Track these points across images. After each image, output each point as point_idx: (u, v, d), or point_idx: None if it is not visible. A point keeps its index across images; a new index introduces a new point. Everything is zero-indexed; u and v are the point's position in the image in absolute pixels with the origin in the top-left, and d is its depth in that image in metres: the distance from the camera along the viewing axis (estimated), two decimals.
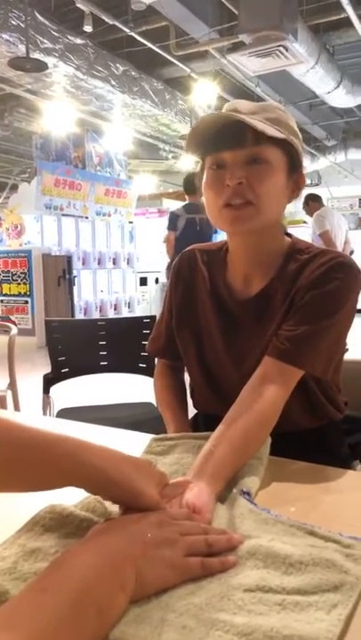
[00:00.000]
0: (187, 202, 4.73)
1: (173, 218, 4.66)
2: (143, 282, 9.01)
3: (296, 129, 0.93)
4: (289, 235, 1.01)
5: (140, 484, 0.59)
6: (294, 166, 0.92)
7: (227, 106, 0.92)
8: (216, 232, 4.43)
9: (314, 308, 0.88)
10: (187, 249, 1.11)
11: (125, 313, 8.33)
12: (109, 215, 8.71)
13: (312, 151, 9.42)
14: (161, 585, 0.50)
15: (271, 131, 0.85)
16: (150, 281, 8.98)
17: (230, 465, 0.74)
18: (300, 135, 0.95)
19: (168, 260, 4.60)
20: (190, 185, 4.53)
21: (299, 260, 0.94)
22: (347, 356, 1.03)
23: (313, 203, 5.72)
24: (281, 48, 4.36)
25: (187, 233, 4.47)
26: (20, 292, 7.35)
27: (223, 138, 0.87)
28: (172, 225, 4.65)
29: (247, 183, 0.86)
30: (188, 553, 0.53)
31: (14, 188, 10.63)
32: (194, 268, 1.06)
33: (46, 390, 1.94)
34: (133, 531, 0.53)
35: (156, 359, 1.18)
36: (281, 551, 0.53)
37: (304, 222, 7.58)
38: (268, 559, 0.53)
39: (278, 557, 0.53)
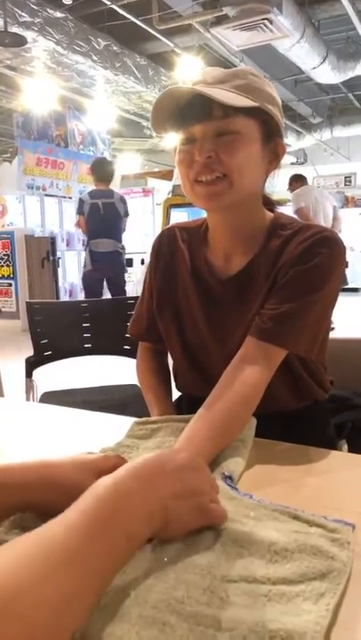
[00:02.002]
0: (93, 188, 5.05)
1: (80, 203, 5.01)
2: (129, 263, 8.89)
3: (273, 94, 0.88)
4: (272, 209, 0.97)
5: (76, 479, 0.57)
6: (271, 135, 0.88)
7: (197, 76, 0.87)
8: (127, 214, 4.95)
9: (297, 284, 0.85)
10: (167, 227, 1.08)
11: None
12: None
13: (298, 128, 9.33)
14: (185, 527, 0.52)
15: (238, 100, 0.81)
16: (136, 262, 8.89)
17: (211, 447, 0.73)
18: (280, 101, 0.90)
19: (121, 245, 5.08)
20: (98, 172, 4.89)
21: (282, 235, 0.91)
22: (332, 335, 1.02)
23: (295, 183, 5.69)
24: (266, 21, 4.27)
25: (91, 216, 4.80)
26: (3, 275, 7.23)
27: (190, 111, 0.83)
28: (79, 209, 4.99)
29: (216, 156, 0.82)
30: (212, 500, 0.55)
31: None
32: (173, 246, 1.03)
33: (29, 374, 1.91)
34: (169, 470, 0.53)
35: (138, 342, 1.15)
36: (265, 538, 0.52)
37: (289, 202, 7.53)
38: (253, 547, 0.51)
39: (263, 545, 0.51)
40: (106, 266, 4.86)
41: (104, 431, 0.95)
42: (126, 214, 5.00)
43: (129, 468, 0.50)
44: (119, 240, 4.91)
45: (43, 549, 0.38)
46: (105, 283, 5.05)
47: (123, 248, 4.99)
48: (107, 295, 5.13)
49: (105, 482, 0.47)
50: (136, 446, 0.79)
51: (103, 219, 4.76)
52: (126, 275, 8.95)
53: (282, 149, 0.91)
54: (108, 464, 0.61)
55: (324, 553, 0.49)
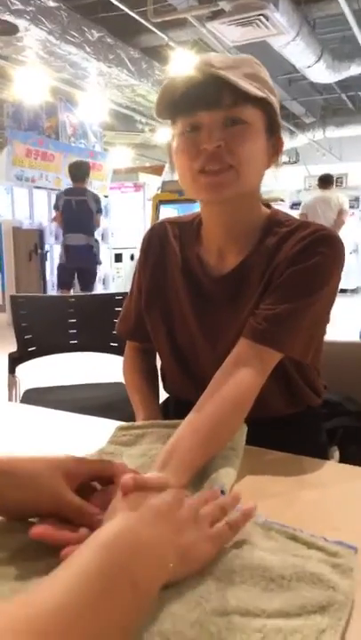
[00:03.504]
0: (69, 186, 5.65)
1: (57, 199, 5.53)
2: (118, 258, 8.85)
3: (273, 86, 0.84)
4: (268, 205, 0.93)
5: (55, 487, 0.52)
6: (273, 128, 0.84)
7: (199, 60, 0.81)
8: (99, 211, 5.45)
9: (294, 284, 0.81)
10: (157, 222, 1.03)
11: (100, 290, 8.18)
12: None
13: (291, 128, 9.31)
14: (206, 559, 0.48)
15: (252, 89, 0.76)
16: (125, 257, 8.82)
17: (198, 456, 0.68)
18: (278, 96, 0.86)
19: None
20: (72, 173, 5.45)
21: (278, 232, 0.86)
22: (325, 338, 0.98)
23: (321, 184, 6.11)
24: (262, 17, 4.23)
25: (65, 211, 5.33)
26: None
27: (198, 97, 0.78)
28: (56, 205, 5.52)
29: (226, 146, 0.77)
30: (211, 523, 0.51)
31: None
32: (164, 242, 0.98)
33: (12, 370, 1.85)
34: (158, 510, 0.48)
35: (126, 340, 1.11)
36: (261, 563, 0.47)
37: (281, 200, 7.51)
38: (246, 572, 0.46)
39: (257, 570, 0.46)
40: (77, 258, 5.39)
41: (87, 435, 0.91)
42: (99, 211, 5.45)
43: (126, 509, 0.46)
44: (91, 234, 5.39)
45: (36, 623, 0.33)
46: (76, 275, 5.55)
47: (96, 242, 5.48)
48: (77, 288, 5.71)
49: (108, 530, 0.43)
50: (120, 453, 0.74)
51: (76, 214, 5.26)
52: (115, 270, 8.96)
53: (281, 144, 0.88)
54: (79, 466, 0.56)
55: (324, 582, 0.44)
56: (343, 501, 0.67)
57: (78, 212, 5.27)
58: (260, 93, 0.78)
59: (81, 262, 5.44)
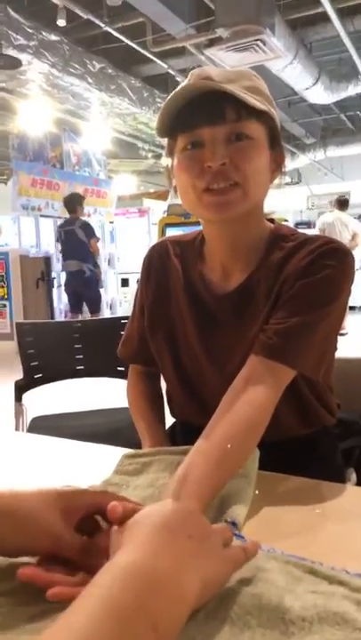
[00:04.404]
0: (67, 217, 6.13)
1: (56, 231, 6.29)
2: (125, 283, 8.87)
3: (272, 99, 0.82)
4: (272, 220, 0.90)
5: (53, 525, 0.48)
6: (275, 142, 0.82)
7: (196, 73, 0.79)
8: (91, 237, 5.85)
9: (305, 298, 0.77)
10: (158, 241, 1.01)
11: (107, 315, 8.19)
12: (89, 215, 8.54)
13: (291, 149, 9.39)
14: (223, 581, 0.45)
15: (256, 102, 0.74)
16: (132, 282, 8.83)
17: (211, 483, 0.63)
18: (277, 111, 0.84)
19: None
20: (65, 205, 5.94)
21: (284, 247, 0.84)
22: (336, 354, 0.94)
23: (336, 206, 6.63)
24: (259, 42, 4.30)
25: (60, 241, 6.01)
26: None
27: (199, 112, 0.75)
28: (56, 237, 6.28)
29: (231, 163, 0.75)
30: (224, 544, 0.48)
31: None
32: (166, 261, 0.95)
33: (18, 398, 1.82)
34: (168, 528, 0.44)
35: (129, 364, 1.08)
36: (279, 603, 0.43)
37: (285, 220, 7.54)
38: (263, 614, 0.42)
39: (275, 612, 0.42)
40: (73, 283, 5.96)
41: (94, 464, 0.87)
42: (91, 237, 5.88)
43: (137, 540, 0.42)
44: (83, 261, 5.83)
45: None
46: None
47: (91, 268, 5.92)
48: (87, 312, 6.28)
49: (117, 566, 0.39)
50: (126, 484, 0.70)
51: (67, 243, 5.88)
52: (122, 294, 9.04)
53: (282, 159, 0.85)
54: (78, 500, 0.52)
55: (350, 623, 0.40)
56: None
57: (68, 241, 5.82)
58: (263, 107, 0.76)
59: (77, 287, 5.95)
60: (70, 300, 6.20)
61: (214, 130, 0.75)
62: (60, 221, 6.40)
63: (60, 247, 6.10)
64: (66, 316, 7.50)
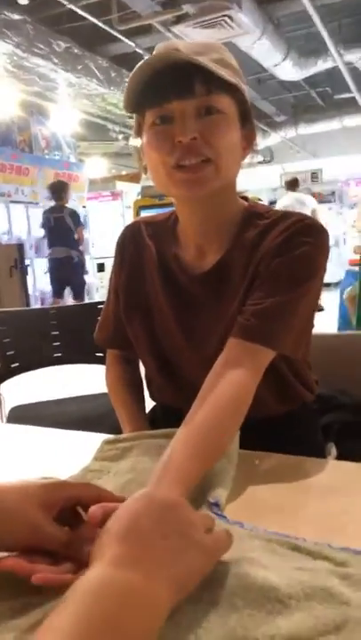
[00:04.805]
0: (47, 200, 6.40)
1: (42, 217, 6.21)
2: (100, 268, 8.80)
3: (241, 73, 0.80)
4: (245, 198, 0.89)
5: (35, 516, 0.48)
6: (245, 118, 0.80)
7: (163, 46, 0.76)
8: (79, 224, 6.00)
9: (281, 276, 0.77)
10: (131, 222, 0.99)
11: (85, 300, 8.12)
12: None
13: (263, 127, 9.34)
14: (201, 577, 0.43)
15: (226, 75, 0.72)
16: (108, 266, 8.76)
17: (195, 467, 0.62)
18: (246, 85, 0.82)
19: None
20: (52, 192, 6.00)
21: (258, 225, 0.83)
22: (313, 330, 0.94)
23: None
24: (226, 18, 4.24)
25: (46, 228, 6.03)
26: None
27: (167, 85, 0.72)
28: (42, 223, 6.17)
29: (202, 138, 0.73)
30: (207, 532, 0.47)
31: None
32: (139, 243, 0.94)
33: None
34: (141, 537, 0.42)
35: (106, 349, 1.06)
36: (264, 582, 0.42)
37: (259, 200, 7.55)
38: (249, 595, 0.42)
39: (261, 591, 0.42)
40: (60, 270, 5.99)
41: (75, 451, 0.86)
42: (78, 225, 6.00)
43: (106, 552, 0.41)
44: (71, 247, 5.93)
45: None
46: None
47: (78, 254, 6.01)
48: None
49: (88, 579, 0.38)
50: (106, 470, 0.69)
51: (55, 230, 5.91)
52: (98, 279, 9.00)
53: (253, 136, 0.84)
54: (55, 493, 0.51)
55: (336, 597, 0.40)
56: (346, 502, 0.62)
57: (57, 228, 5.88)
58: (233, 80, 0.74)
59: (64, 273, 6.00)
60: (54, 287, 6.22)
61: (183, 103, 0.73)
62: (46, 208, 6.42)
63: (44, 233, 6.12)
64: (42, 304, 7.42)
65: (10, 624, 0.42)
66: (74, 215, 6.00)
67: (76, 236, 5.98)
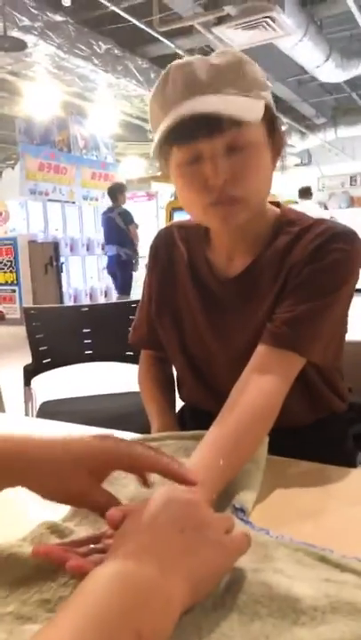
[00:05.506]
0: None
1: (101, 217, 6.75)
2: None
3: (262, 75, 0.76)
4: (278, 204, 0.88)
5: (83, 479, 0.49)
6: (272, 129, 0.77)
7: (181, 77, 0.72)
8: (128, 223, 6.34)
9: (313, 284, 0.76)
10: (164, 227, 0.99)
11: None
12: (97, 199, 8.51)
13: (301, 129, 9.25)
14: (225, 570, 0.44)
15: (256, 109, 0.70)
16: (141, 265, 8.83)
17: (222, 472, 0.62)
18: (269, 85, 0.78)
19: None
20: (109, 193, 6.44)
21: (290, 232, 0.82)
22: (346, 337, 0.92)
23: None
24: (268, 19, 4.21)
25: (103, 227, 6.56)
26: (6, 281, 7.17)
27: (194, 124, 0.69)
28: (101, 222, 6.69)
29: (232, 178, 0.72)
30: (226, 532, 0.47)
31: None
32: (171, 246, 0.94)
33: (27, 382, 1.83)
34: (158, 530, 0.43)
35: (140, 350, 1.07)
36: (289, 592, 0.42)
37: (295, 202, 7.47)
38: (273, 604, 0.41)
39: (286, 602, 0.41)
40: (111, 266, 6.54)
41: None
42: (129, 223, 6.33)
43: (123, 546, 0.41)
44: (122, 245, 6.31)
45: None
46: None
47: (128, 252, 6.37)
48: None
49: (104, 572, 0.38)
50: None
51: (107, 229, 6.42)
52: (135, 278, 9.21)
53: (282, 141, 0.81)
54: (106, 463, 0.52)
55: None
56: None
57: (109, 227, 6.36)
58: (259, 110, 0.71)
59: (113, 269, 6.52)
60: (114, 283, 6.79)
61: (212, 142, 0.71)
62: (104, 209, 6.91)
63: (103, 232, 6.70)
64: (75, 301, 7.53)
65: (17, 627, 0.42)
66: (124, 214, 6.32)
67: (130, 234, 6.34)
